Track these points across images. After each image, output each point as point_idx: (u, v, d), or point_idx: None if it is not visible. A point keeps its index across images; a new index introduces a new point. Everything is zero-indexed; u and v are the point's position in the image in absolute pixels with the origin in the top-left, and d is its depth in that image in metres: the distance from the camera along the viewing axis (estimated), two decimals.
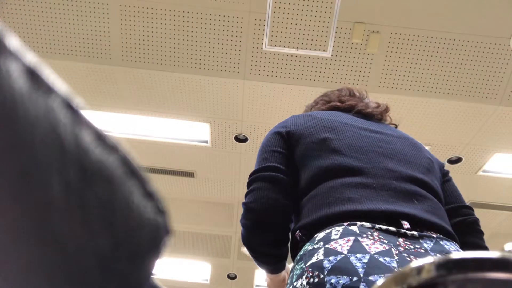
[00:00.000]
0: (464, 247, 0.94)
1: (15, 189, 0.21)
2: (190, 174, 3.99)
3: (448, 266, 0.32)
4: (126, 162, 0.26)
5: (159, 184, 4.09)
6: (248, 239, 1.00)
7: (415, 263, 0.34)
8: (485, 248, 1.04)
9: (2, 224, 0.22)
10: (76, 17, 2.76)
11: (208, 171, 3.92)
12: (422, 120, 3.16)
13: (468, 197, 3.95)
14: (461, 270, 0.32)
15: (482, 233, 1.07)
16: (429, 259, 0.33)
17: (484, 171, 3.59)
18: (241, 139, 3.49)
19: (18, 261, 0.23)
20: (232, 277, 5.36)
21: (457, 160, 3.50)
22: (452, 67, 2.83)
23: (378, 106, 1.21)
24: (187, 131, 3.52)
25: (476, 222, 1.07)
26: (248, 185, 1.02)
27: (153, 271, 0.30)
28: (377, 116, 1.17)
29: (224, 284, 5.51)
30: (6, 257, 0.23)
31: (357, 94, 1.25)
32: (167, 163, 3.85)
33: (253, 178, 1.01)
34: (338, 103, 1.20)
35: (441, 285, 0.32)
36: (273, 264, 1.06)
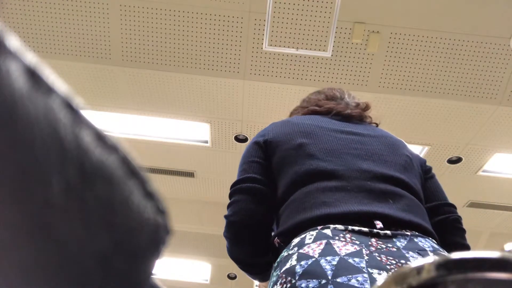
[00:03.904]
0: (445, 246, 0.93)
1: (15, 189, 0.21)
2: (190, 174, 3.99)
3: (448, 266, 0.32)
4: (126, 162, 0.26)
5: (159, 184, 4.09)
6: (232, 251, 1.03)
7: (415, 262, 0.34)
8: (467, 246, 1.04)
9: (2, 224, 0.22)
10: (76, 17, 2.76)
11: (208, 171, 3.92)
12: (422, 120, 3.16)
13: (468, 197, 3.95)
14: (461, 270, 0.32)
15: (464, 231, 1.06)
16: (429, 259, 0.33)
17: (484, 171, 3.60)
18: (241, 139, 3.49)
19: (18, 261, 0.23)
20: (232, 277, 5.36)
21: (457, 160, 3.50)
22: (452, 67, 2.83)
23: (358, 105, 1.21)
24: (187, 131, 3.52)
25: (457, 220, 1.06)
26: (229, 197, 1.04)
27: (153, 271, 0.30)
28: (356, 117, 1.17)
29: (224, 284, 5.52)
30: (6, 257, 0.23)
31: (337, 94, 1.25)
32: (167, 163, 3.85)
33: (233, 191, 1.03)
34: (316, 107, 1.20)
35: (441, 285, 0.32)
36: (260, 273, 1.09)
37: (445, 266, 0.32)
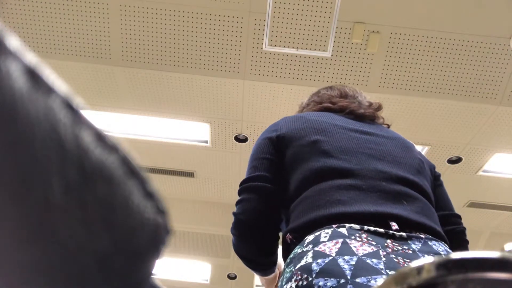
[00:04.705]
0: None
1: (15, 189, 0.21)
2: (190, 174, 3.99)
3: (448, 266, 0.32)
4: (126, 162, 0.26)
5: (159, 184, 4.09)
6: (238, 248, 1.03)
7: (415, 263, 0.34)
8: None
9: (2, 225, 0.22)
10: (76, 17, 2.76)
11: (208, 171, 3.92)
12: (422, 120, 3.16)
13: (468, 197, 3.95)
14: (461, 270, 0.32)
15: (467, 242, 1.08)
16: (429, 259, 0.33)
17: (484, 171, 3.60)
18: (241, 139, 3.49)
19: (18, 261, 0.23)
20: (232, 277, 5.36)
21: (457, 160, 3.50)
22: (452, 67, 2.83)
23: (371, 105, 1.21)
24: (187, 131, 3.52)
25: (463, 232, 1.08)
26: (238, 194, 1.03)
27: (153, 271, 0.30)
28: (369, 116, 1.16)
29: (224, 284, 5.52)
30: (6, 257, 0.23)
31: (350, 92, 1.24)
32: (167, 163, 3.85)
33: (242, 188, 1.02)
34: (330, 105, 1.19)
35: (441, 285, 0.32)
36: (263, 270, 1.10)
37: (445, 266, 0.32)
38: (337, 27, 2.71)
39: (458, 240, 1.06)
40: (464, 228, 1.09)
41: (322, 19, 2.68)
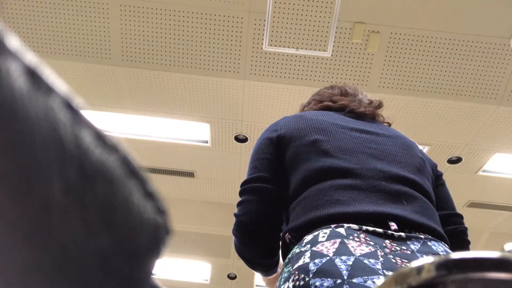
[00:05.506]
0: None
1: (15, 189, 0.21)
2: (190, 174, 3.99)
3: (448, 266, 0.32)
4: (126, 162, 0.26)
5: (159, 184, 4.09)
6: (240, 250, 1.03)
7: (415, 262, 0.34)
8: None
9: (2, 225, 0.22)
10: (76, 17, 2.76)
11: (208, 171, 3.92)
12: (422, 120, 3.16)
13: (468, 197, 3.95)
14: (461, 270, 0.32)
15: (469, 243, 1.08)
16: (429, 259, 0.33)
17: (484, 171, 3.60)
18: (241, 139, 3.49)
19: (18, 261, 0.23)
20: (232, 277, 5.36)
21: (457, 160, 3.50)
22: (452, 67, 2.83)
23: (371, 102, 1.20)
24: (187, 131, 3.52)
25: (464, 232, 1.07)
26: (239, 195, 1.03)
27: (153, 271, 0.30)
28: (369, 115, 1.16)
29: (224, 284, 5.51)
30: (6, 257, 0.23)
31: (350, 91, 1.23)
32: (167, 163, 3.85)
33: (243, 189, 1.02)
34: (330, 103, 1.19)
35: (441, 285, 0.32)
36: (266, 271, 1.10)
37: (445, 266, 0.32)
38: (337, 27, 2.71)
39: (459, 240, 1.05)
40: (466, 228, 1.08)
41: (322, 19, 2.68)
